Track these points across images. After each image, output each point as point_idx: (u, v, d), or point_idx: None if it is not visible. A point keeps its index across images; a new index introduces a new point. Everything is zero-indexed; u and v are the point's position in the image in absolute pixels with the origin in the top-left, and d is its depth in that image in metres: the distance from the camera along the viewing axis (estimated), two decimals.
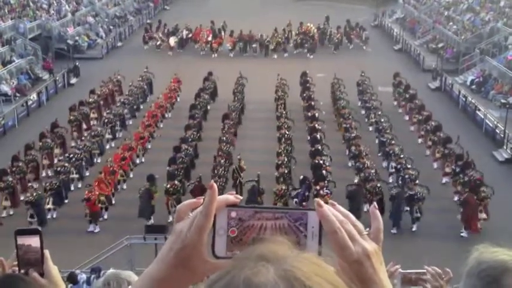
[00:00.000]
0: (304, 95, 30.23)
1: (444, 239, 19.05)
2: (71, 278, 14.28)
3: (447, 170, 22.46)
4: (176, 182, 20.49)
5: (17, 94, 31.87)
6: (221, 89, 31.90)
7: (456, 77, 35.33)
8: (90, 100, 28.93)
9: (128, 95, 30.27)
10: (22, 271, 2.19)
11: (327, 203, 1.30)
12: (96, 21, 46.60)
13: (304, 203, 19.76)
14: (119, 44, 45.00)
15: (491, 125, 27.67)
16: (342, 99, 29.11)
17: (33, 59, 36.54)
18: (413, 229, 19.66)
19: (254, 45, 42.28)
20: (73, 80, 35.78)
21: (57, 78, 34.87)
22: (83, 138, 25.57)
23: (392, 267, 3.94)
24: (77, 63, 36.81)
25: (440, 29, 43.12)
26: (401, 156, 22.25)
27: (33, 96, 31.92)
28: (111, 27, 47.22)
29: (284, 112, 27.40)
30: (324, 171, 21.05)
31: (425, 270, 3.63)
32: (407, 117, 28.81)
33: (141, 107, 30.62)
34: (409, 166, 21.46)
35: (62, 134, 25.01)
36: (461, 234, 19.27)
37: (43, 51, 38.13)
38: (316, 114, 26.77)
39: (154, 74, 33.04)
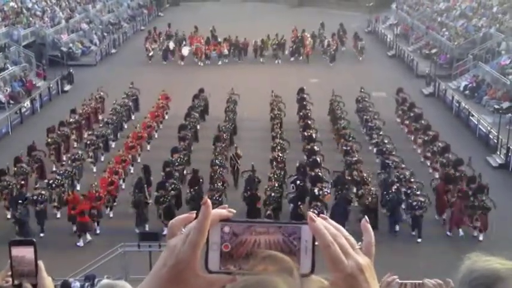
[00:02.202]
0: (301, 113, 28.31)
1: (444, 251, 19.09)
2: (65, 286, 14.23)
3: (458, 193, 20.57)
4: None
5: (11, 101, 31.79)
6: (213, 103, 30.11)
7: (449, 82, 35.46)
8: (71, 120, 26.71)
9: (112, 114, 27.97)
10: (16, 282, 2.18)
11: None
12: (90, 28, 46.59)
13: (301, 185, 20.64)
14: (113, 51, 45.00)
15: (484, 130, 27.75)
16: (343, 118, 27.27)
17: (27, 66, 36.47)
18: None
19: (236, 50, 42.34)
20: (67, 87, 35.74)
21: (51, 85, 34.82)
22: (63, 162, 23.19)
23: (389, 278, 3.92)
24: (71, 70, 36.76)
25: (433, 35, 43.31)
26: (412, 180, 20.68)
27: (27, 103, 31.86)
28: (105, 34, 47.23)
29: (279, 132, 25.41)
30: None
31: (423, 281, 3.62)
32: (412, 137, 27.13)
33: (125, 126, 28.54)
34: (418, 192, 20.16)
35: (39, 157, 23.02)
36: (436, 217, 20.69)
37: (37, 59, 38.08)
38: (314, 135, 25.11)
39: (140, 90, 30.96)
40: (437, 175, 22.55)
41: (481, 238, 19.43)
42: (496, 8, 42.13)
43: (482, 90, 32.85)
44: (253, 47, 42.30)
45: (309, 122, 26.78)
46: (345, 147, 23.91)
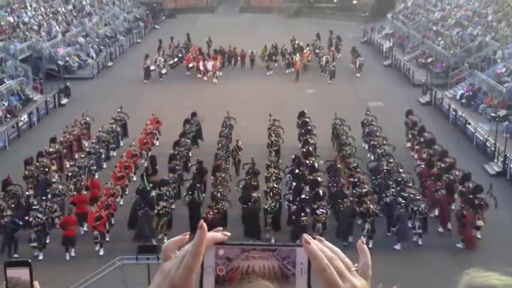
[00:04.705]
0: (304, 138, 25.95)
1: (444, 260, 19.06)
2: None
3: (479, 223, 19.81)
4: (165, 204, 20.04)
5: (8, 115, 31.77)
6: (208, 122, 28.02)
7: (446, 91, 35.56)
8: (51, 150, 24.48)
9: (95, 142, 25.91)
10: None
11: None
12: (87, 41, 46.66)
13: (295, 182, 21.56)
14: (110, 64, 45.05)
15: (481, 138, 27.79)
16: (349, 144, 24.95)
17: (24, 80, 36.48)
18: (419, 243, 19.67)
19: (233, 62, 42.49)
20: (64, 101, 35.75)
21: (48, 98, 34.80)
22: (43, 197, 20.87)
23: None
24: (68, 84, 36.79)
25: (429, 44, 43.46)
26: (425, 212, 19.98)
27: (24, 117, 31.83)
28: (102, 47, 47.29)
29: (274, 160, 23.37)
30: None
31: None
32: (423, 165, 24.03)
33: (114, 154, 26.76)
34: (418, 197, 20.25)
35: (15, 192, 21.04)
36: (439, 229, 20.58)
37: (34, 72, 38.10)
38: (316, 165, 22.92)
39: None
40: (453, 206, 21.19)
41: (478, 236, 19.59)
42: (491, 17, 42.31)
43: (478, 98, 32.94)
44: (250, 58, 42.32)
45: (310, 148, 24.53)
46: (352, 179, 21.70)
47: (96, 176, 23.64)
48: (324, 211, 19.69)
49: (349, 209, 19.94)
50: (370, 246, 17.21)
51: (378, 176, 22.25)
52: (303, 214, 19.79)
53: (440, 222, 20.57)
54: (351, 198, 20.54)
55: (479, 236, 19.70)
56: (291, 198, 20.94)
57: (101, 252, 19.49)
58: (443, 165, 22.86)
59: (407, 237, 19.51)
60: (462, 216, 19.61)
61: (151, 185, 22.02)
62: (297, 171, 22.54)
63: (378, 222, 19.87)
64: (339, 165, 23.10)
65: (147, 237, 19.51)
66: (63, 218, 19.99)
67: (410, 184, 21.13)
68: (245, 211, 20.24)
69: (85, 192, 21.44)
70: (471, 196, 20.05)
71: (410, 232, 19.66)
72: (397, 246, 19.51)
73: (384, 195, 20.89)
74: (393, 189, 20.74)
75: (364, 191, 20.45)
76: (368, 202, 19.78)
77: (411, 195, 20.15)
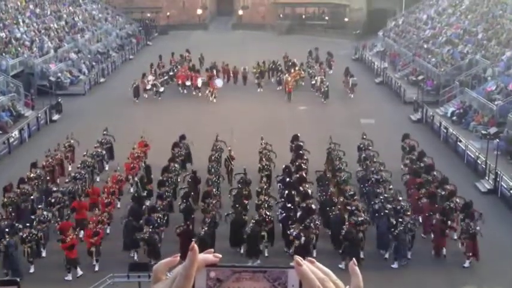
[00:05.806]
0: (296, 163, 24.51)
1: (434, 277, 19.03)
2: None
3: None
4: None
5: None
6: (199, 143, 27.40)
7: (437, 108, 35.74)
8: (32, 175, 23.24)
9: (80, 167, 24.74)
10: None
11: None
12: (79, 57, 46.68)
13: (286, 191, 21.70)
14: (102, 80, 45.04)
15: (472, 156, 27.88)
16: (343, 170, 23.97)
17: (15, 96, 36.37)
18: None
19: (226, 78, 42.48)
20: (55, 117, 35.63)
21: (39, 114, 34.68)
22: (27, 224, 19.55)
23: None
24: (60, 100, 36.71)
25: (420, 62, 43.76)
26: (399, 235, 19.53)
27: (15, 133, 31.68)
28: (94, 63, 47.34)
29: (265, 187, 22.04)
30: None
31: None
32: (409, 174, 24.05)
33: (98, 179, 25.42)
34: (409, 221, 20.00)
35: None
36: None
37: (25, 88, 38.01)
38: (310, 191, 21.77)
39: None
40: (455, 236, 20.61)
41: (466, 265, 19.19)
42: (481, 35, 42.68)
43: (469, 116, 33.11)
44: (243, 74, 42.43)
45: (303, 174, 23.27)
46: (349, 207, 20.45)
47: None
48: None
49: (338, 216, 20.13)
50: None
51: (366, 185, 23.07)
52: (290, 222, 19.92)
53: (424, 229, 21.14)
54: (339, 206, 20.69)
55: (466, 265, 19.28)
56: (280, 206, 21.28)
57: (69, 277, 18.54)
58: (443, 192, 21.79)
59: (403, 255, 19.49)
60: (432, 225, 20.20)
61: (146, 191, 22.81)
62: (287, 179, 22.89)
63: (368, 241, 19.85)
64: (328, 175, 23.67)
65: (127, 247, 19.66)
66: (60, 224, 19.95)
67: (409, 213, 20.29)
68: (234, 217, 20.30)
69: (85, 199, 21.97)
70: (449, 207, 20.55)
71: (406, 250, 19.63)
72: (394, 265, 19.39)
73: (372, 202, 21.53)
74: (381, 197, 21.22)
75: (360, 219, 19.52)
76: (363, 231, 19.41)
77: (409, 224, 19.59)
